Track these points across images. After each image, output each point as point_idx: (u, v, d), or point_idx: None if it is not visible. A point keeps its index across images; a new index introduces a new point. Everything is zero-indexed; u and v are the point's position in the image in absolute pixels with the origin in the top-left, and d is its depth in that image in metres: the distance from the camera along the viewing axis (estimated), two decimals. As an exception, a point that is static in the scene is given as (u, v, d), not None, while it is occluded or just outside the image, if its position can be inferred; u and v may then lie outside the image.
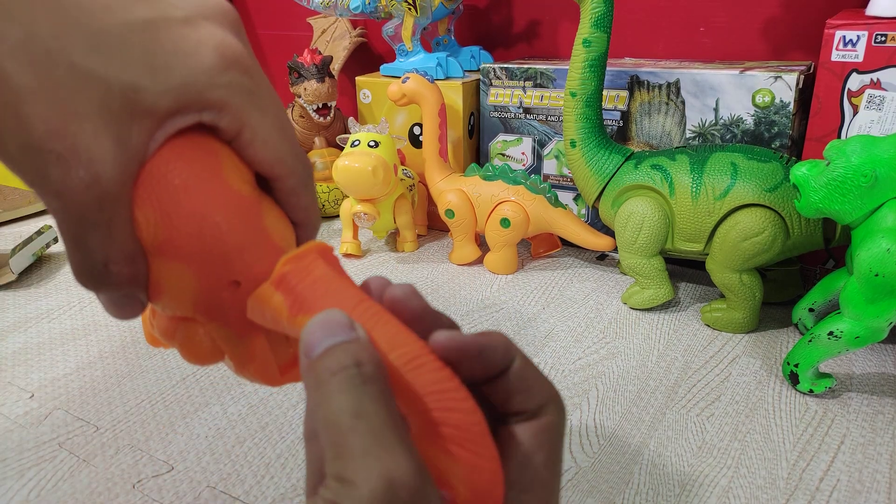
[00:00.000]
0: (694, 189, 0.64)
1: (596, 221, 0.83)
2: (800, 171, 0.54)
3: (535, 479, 0.21)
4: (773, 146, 0.70)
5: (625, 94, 0.76)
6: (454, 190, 0.80)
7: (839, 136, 0.62)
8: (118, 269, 0.22)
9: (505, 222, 0.77)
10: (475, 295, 0.75)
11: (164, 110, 0.21)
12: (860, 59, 0.59)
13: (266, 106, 0.24)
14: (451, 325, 0.23)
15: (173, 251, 0.23)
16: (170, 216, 0.22)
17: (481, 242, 0.88)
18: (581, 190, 0.73)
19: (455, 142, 0.89)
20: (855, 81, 0.60)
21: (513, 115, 0.85)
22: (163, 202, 0.22)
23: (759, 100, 0.69)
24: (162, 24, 0.22)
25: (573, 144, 0.71)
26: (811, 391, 0.55)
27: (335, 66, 1.06)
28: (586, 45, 0.67)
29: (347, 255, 0.86)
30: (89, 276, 0.23)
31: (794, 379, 0.55)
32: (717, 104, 0.71)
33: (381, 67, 0.95)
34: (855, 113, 0.61)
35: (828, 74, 0.61)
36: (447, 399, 0.19)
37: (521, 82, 0.83)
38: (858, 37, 0.59)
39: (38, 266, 0.84)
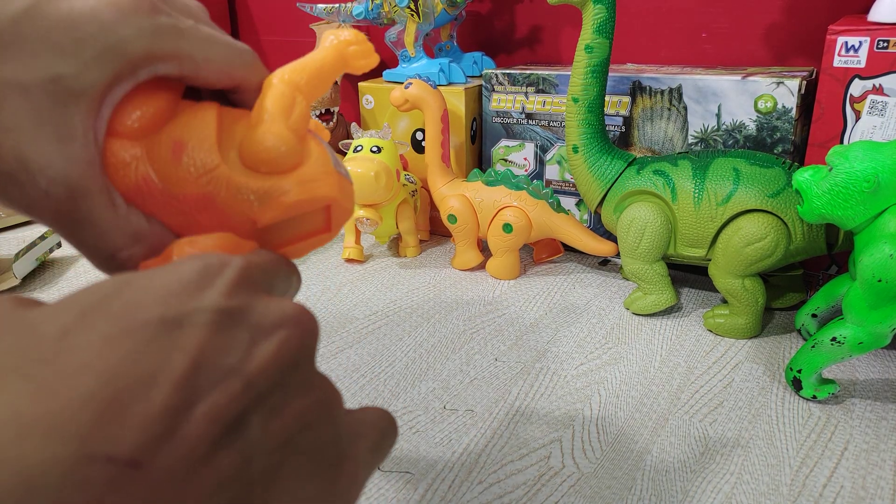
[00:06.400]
0: (696, 194, 0.64)
1: (598, 227, 0.83)
2: (802, 176, 0.54)
3: None
4: (775, 152, 0.70)
5: (627, 99, 0.76)
6: (456, 195, 0.80)
7: (841, 142, 0.62)
8: (128, 254, 0.22)
9: (507, 227, 0.77)
10: (477, 300, 0.75)
11: (94, 86, 0.20)
12: (862, 65, 0.59)
13: (187, 27, 0.22)
14: None
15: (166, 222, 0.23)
16: (149, 203, 0.22)
17: (483, 248, 0.88)
18: (583, 195, 0.73)
19: (457, 147, 0.89)
20: (857, 87, 0.60)
21: (515, 121, 0.85)
22: (135, 192, 0.22)
23: (761, 105, 0.69)
24: (44, 2, 0.20)
25: (575, 150, 0.71)
26: (814, 397, 0.55)
27: (338, 72, 1.06)
28: (588, 50, 0.67)
29: (350, 261, 0.86)
30: (108, 270, 0.22)
31: (797, 385, 0.55)
32: (719, 110, 0.71)
33: (384, 73, 0.95)
34: (857, 118, 0.61)
35: (830, 80, 0.61)
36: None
37: (524, 88, 0.83)
38: (860, 43, 0.59)
39: (41, 271, 0.85)
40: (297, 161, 0.23)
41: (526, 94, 0.83)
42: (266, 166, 0.23)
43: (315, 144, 0.25)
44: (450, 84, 0.89)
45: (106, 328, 0.16)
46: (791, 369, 0.56)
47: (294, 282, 0.24)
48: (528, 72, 0.82)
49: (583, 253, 0.85)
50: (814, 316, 0.63)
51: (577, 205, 0.85)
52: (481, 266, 0.84)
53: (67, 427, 0.15)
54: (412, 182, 0.89)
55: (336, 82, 0.97)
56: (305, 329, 0.20)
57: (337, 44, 0.26)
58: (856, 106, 0.61)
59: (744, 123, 0.71)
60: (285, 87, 0.24)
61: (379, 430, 0.24)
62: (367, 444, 0.23)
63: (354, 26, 1.09)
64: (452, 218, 0.80)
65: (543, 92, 0.82)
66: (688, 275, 0.80)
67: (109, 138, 0.22)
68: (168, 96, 0.23)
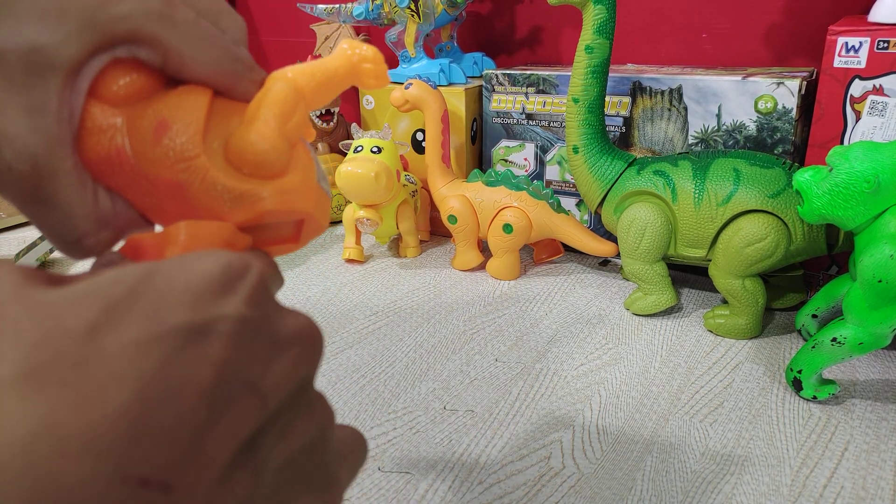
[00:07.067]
0: (696, 195, 0.64)
1: (598, 227, 0.83)
2: (802, 176, 0.54)
3: None
4: (775, 152, 0.70)
5: (627, 100, 0.76)
6: (457, 196, 0.80)
7: (842, 142, 0.62)
8: (95, 241, 0.21)
9: (507, 228, 0.77)
10: (478, 301, 0.75)
11: (72, 60, 0.19)
12: (862, 66, 0.59)
13: (183, 20, 0.21)
14: None
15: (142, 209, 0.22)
16: (116, 176, 0.21)
17: (484, 248, 0.88)
18: (583, 195, 0.73)
19: (458, 147, 0.89)
20: (857, 88, 0.60)
21: (515, 121, 0.85)
22: (105, 162, 0.21)
23: (761, 106, 0.69)
24: None
25: (576, 150, 0.71)
26: (815, 397, 0.55)
27: (338, 73, 1.06)
28: (588, 51, 0.67)
29: (350, 261, 0.86)
30: (73, 255, 0.21)
31: (797, 385, 0.55)
32: (719, 110, 0.71)
33: (384, 73, 0.95)
34: (857, 119, 0.61)
35: (830, 80, 0.61)
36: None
37: (524, 88, 0.83)
38: (861, 43, 0.59)
39: (41, 271, 0.85)
40: (281, 169, 0.22)
41: (526, 94, 0.83)
42: (249, 168, 0.22)
43: (303, 154, 0.23)
44: (450, 84, 0.89)
45: (135, 331, 0.15)
46: (791, 370, 0.56)
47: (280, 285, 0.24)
48: (528, 72, 0.82)
49: (583, 253, 0.85)
50: (814, 316, 0.63)
51: (578, 205, 0.85)
52: (481, 266, 0.84)
53: (103, 443, 0.14)
54: (412, 182, 0.89)
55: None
56: (316, 346, 0.20)
57: (352, 56, 0.24)
58: (856, 106, 0.61)
59: (744, 124, 0.71)
60: (290, 90, 0.23)
61: (356, 451, 0.23)
62: (348, 465, 0.22)
63: (354, 26, 1.09)
64: (453, 218, 0.80)
65: (544, 92, 0.82)
66: (688, 275, 0.80)
67: (91, 100, 0.21)
68: (161, 71, 0.22)
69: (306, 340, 0.19)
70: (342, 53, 0.25)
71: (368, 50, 0.25)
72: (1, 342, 0.15)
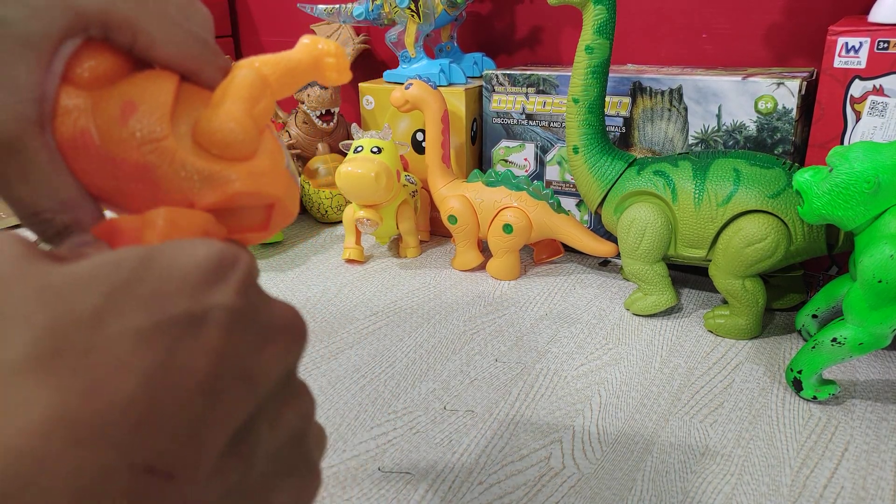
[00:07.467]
0: (696, 195, 0.64)
1: (598, 227, 0.83)
2: (803, 177, 0.55)
3: None
4: (775, 152, 0.70)
5: (627, 100, 0.76)
6: (457, 196, 0.80)
7: (842, 143, 0.62)
8: (50, 217, 0.21)
9: (507, 228, 0.77)
10: (478, 301, 0.75)
11: (44, 38, 0.19)
12: (863, 66, 0.59)
13: (151, 3, 0.21)
14: None
15: (109, 200, 0.22)
16: (81, 160, 0.21)
17: (484, 248, 0.88)
18: (583, 196, 0.73)
19: (458, 148, 0.89)
20: (857, 88, 0.60)
21: (515, 122, 0.85)
22: (70, 144, 0.21)
23: (761, 106, 0.69)
24: None
25: (576, 150, 0.71)
26: (815, 398, 0.55)
27: (338, 73, 1.06)
28: (589, 51, 0.67)
29: (350, 261, 0.86)
30: (28, 226, 0.21)
31: (797, 385, 0.55)
32: (719, 110, 0.71)
33: (385, 74, 0.95)
34: (857, 119, 0.61)
35: (830, 81, 0.61)
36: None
37: (524, 88, 0.83)
38: (861, 43, 0.59)
39: (41, 271, 0.85)
40: (250, 151, 0.22)
41: (526, 94, 0.83)
42: (218, 149, 0.22)
43: (272, 140, 0.24)
44: (450, 85, 0.89)
45: (138, 319, 0.16)
46: (791, 370, 0.56)
47: None
48: (528, 72, 0.82)
49: (583, 253, 0.85)
50: (814, 317, 0.63)
51: (578, 205, 0.85)
52: (482, 267, 0.84)
53: (113, 432, 0.14)
54: (412, 183, 0.89)
55: (336, 83, 0.97)
56: (302, 336, 0.20)
57: (314, 50, 0.25)
58: (856, 107, 0.61)
59: (744, 124, 0.71)
60: (256, 76, 0.23)
61: (323, 438, 0.24)
62: (320, 453, 0.23)
63: (355, 26, 1.09)
64: (453, 219, 0.80)
65: (544, 93, 0.82)
66: (688, 275, 0.80)
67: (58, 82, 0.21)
68: (127, 54, 0.22)
69: (293, 330, 0.20)
70: (304, 47, 0.25)
71: (330, 44, 0.25)
72: (9, 324, 0.15)
